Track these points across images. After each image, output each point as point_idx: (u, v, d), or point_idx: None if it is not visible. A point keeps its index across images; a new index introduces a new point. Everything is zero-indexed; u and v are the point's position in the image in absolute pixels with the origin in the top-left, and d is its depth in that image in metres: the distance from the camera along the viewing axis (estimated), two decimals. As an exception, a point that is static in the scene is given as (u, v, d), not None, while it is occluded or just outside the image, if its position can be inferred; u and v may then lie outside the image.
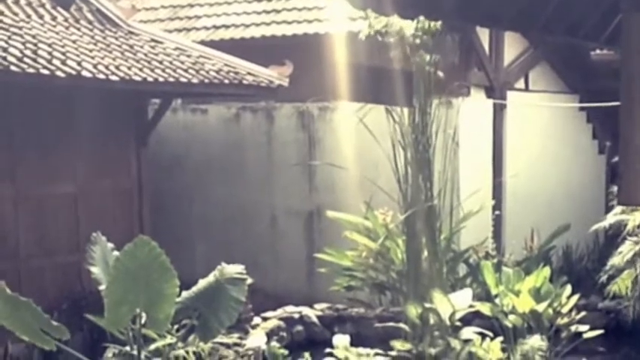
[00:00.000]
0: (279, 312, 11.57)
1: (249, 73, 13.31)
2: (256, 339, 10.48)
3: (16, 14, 12.04)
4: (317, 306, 11.83)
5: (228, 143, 15.39)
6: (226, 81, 12.96)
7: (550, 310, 10.28)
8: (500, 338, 9.80)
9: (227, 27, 15.01)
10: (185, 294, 8.33)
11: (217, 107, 15.44)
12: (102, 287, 8.08)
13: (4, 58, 10.36)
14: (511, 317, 10.30)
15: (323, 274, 12.56)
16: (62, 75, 10.78)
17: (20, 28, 11.59)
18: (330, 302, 12.02)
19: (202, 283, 8.54)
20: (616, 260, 11.39)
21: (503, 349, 9.70)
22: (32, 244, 12.14)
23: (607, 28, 4.92)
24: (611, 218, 12.06)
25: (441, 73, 11.24)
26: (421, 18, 9.19)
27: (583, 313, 10.45)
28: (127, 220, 13.27)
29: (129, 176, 13.48)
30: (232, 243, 14.88)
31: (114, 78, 11.42)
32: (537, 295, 10.37)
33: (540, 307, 10.20)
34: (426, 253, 11.17)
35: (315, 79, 12.99)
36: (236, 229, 15.25)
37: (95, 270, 8.41)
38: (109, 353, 9.01)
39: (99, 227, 9.13)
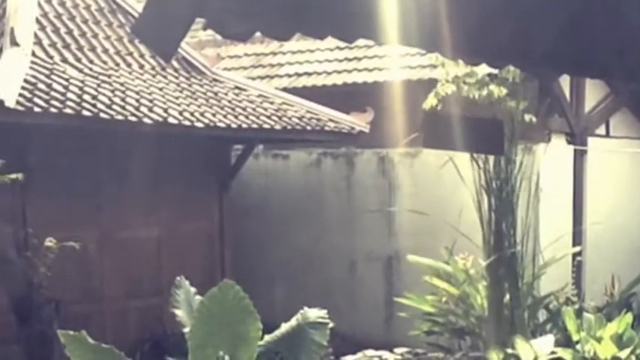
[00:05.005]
0: (359, 356, 11.62)
1: (330, 120, 13.45)
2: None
3: (105, 62, 12.34)
4: (396, 350, 11.86)
5: (308, 188, 15.50)
6: (308, 127, 13.11)
7: (633, 357, 10.13)
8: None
9: (309, 74, 15.20)
10: (267, 337, 8.42)
11: (298, 153, 15.56)
12: (186, 330, 8.22)
13: (94, 105, 10.64)
14: (593, 364, 10.23)
15: (400, 318, 12.55)
16: (149, 122, 11.03)
17: (109, 77, 11.87)
18: (408, 346, 12.01)
19: (285, 326, 8.63)
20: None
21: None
22: (116, 287, 12.34)
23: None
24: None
25: (530, 117, 11.21)
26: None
27: (666, 361, 10.34)
28: (209, 263, 13.43)
29: (211, 220, 13.65)
30: (311, 287, 14.94)
31: (199, 124, 11.63)
32: (620, 341, 10.25)
33: (623, 354, 10.08)
34: (507, 298, 11.14)
35: (395, 125, 13.10)
36: (315, 273, 15.31)
37: (179, 313, 8.56)
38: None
39: (181, 270, 9.27)
